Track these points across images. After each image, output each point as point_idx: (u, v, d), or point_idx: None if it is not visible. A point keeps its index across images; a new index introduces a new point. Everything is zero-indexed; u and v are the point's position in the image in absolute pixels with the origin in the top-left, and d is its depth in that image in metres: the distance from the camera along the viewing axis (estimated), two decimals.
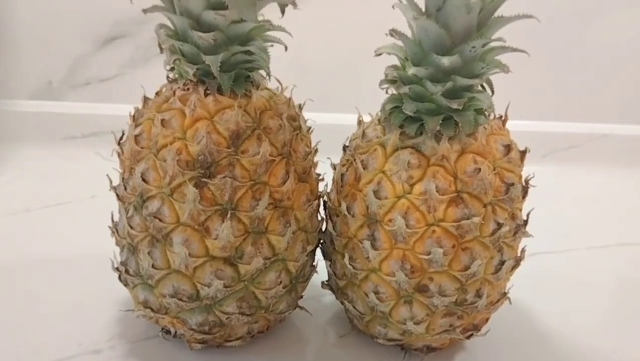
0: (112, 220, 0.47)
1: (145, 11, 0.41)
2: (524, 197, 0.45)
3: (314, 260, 0.50)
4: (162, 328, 0.47)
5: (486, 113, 0.44)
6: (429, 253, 0.41)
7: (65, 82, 0.93)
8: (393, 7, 0.41)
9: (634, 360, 0.51)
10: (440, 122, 0.42)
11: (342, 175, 0.47)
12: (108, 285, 0.51)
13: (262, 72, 0.46)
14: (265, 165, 0.42)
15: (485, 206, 0.42)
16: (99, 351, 0.48)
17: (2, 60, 0.91)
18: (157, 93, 0.46)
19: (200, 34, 0.40)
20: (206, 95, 0.42)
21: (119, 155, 0.45)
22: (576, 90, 0.95)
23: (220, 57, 0.41)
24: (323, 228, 0.50)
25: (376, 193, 0.43)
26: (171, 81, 0.46)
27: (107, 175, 0.47)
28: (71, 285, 0.56)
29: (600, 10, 0.90)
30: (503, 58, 0.41)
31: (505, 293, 0.47)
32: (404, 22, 0.41)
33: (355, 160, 0.45)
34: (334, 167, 0.49)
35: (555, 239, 0.69)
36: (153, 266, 0.43)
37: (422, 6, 0.40)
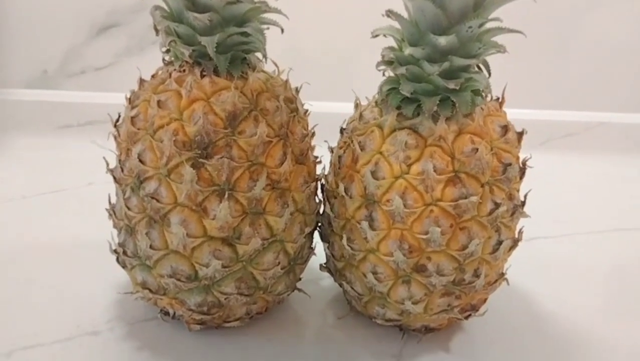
0: (110, 203, 0.47)
1: None
2: (521, 177, 0.45)
3: (312, 242, 0.50)
4: (161, 310, 0.48)
5: (483, 94, 0.44)
6: (426, 233, 0.42)
7: (61, 70, 0.93)
8: None
9: (630, 343, 0.51)
10: (438, 102, 0.42)
11: (339, 157, 0.47)
12: (106, 268, 0.51)
13: (259, 54, 0.46)
14: (262, 146, 0.42)
15: (482, 186, 0.42)
16: (97, 333, 0.48)
17: None
18: (153, 76, 0.46)
19: (196, 14, 0.40)
20: (202, 76, 0.42)
21: (115, 137, 0.45)
22: (573, 79, 0.96)
23: (216, 38, 0.41)
24: (321, 211, 0.50)
25: (374, 173, 0.43)
26: (167, 63, 0.46)
27: (104, 158, 0.47)
28: (69, 269, 0.56)
29: None
30: (502, 42, 0.41)
31: (503, 274, 0.48)
32: (400, 5, 0.41)
33: (352, 141, 0.45)
34: (331, 150, 0.49)
35: (553, 225, 0.69)
36: (151, 247, 0.43)
37: None
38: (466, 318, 0.48)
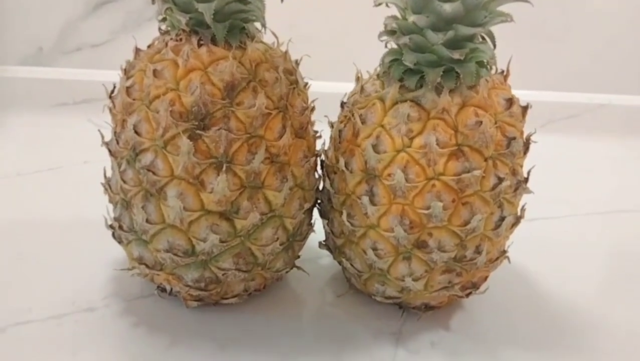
0: (105, 177, 0.46)
1: None
2: (525, 152, 0.44)
3: (311, 219, 0.49)
4: (158, 286, 0.47)
5: (488, 66, 0.43)
6: (428, 208, 0.41)
7: (56, 47, 0.91)
8: None
9: (630, 322, 0.51)
10: (441, 74, 0.41)
11: (339, 131, 0.46)
12: (102, 245, 0.50)
13: (258, 25, 0.44)
14: (261, 118, 0.41)
15: (486, 160, 0.41)
16: (93, 309, 0.48)
17: None
18: (149, 46, 0.45)
19: None
20: (199, 45, 0.41)
21: (110, 109, 0.44)
22: (575, 60, 0.95)
23: (213, 5, 0.39)
24: (320, 187, 0.49)
25: (375, 147, 0.42)
26: (163, 33, 0.44)
27: (99, 130, 0.45)
28: (65, 246, 0.56)
29: None
30: (502, 26, 0.40)
31: (504, 252, 0.47)
32: None
33: (353, 115, 0.44)
34: (331, 125, 0.48)
35: (554, 206, 0.69)
36: (147, 221, 0.42)
37: None
38: (467, 295, 0.47)
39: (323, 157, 0.49)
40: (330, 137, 0.48)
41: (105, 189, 0.46)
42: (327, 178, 0.47)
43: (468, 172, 0.40)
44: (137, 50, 0.44)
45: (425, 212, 0.41)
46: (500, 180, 0.42)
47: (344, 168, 0.44)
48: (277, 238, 0.45)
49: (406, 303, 0.48)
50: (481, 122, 0.40)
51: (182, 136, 0.39)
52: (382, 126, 0.42)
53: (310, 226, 0.50)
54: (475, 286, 0.47)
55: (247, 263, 0.44)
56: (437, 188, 0.41)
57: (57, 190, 0.67)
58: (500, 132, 0.42)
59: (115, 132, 0.43)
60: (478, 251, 0.43)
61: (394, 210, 0.42)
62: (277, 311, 0.49)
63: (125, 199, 0.43)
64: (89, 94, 0.88)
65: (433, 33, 0.39)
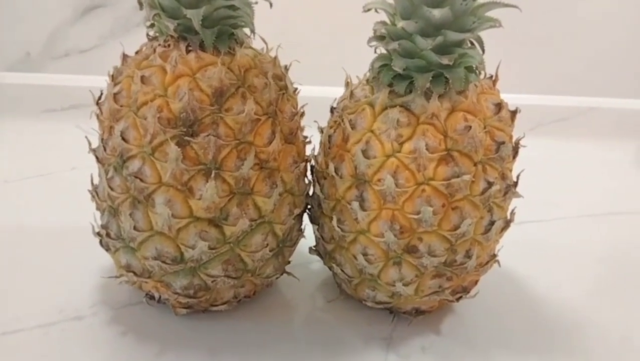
0: (92, 184, 0.46)
1: None
2: (514, 157, 0.44)
3: (301, 224, 0.49)
4: (146, 294, 0.46)
5: (477, 71, 0.43)
6: (418, 213, 0.41)
7: (44, 53, 0.91)
8: None
9: (620, 325, 0.51)
10: (430, 79, 0.41)
11: (329, 136, 0.46)
12: (90, 253, 0.50)
13: (247, 30, 0.44)
14: (250, 124, 0.41)
15: (475, 164, 0.41)
16: (81, 317, 0.47)
17: None
18: (137, 52, 0.44)
19: None
20: (188, 51, 0.41)
21: (97, 116, 0.44)
22: (564, 64, 0.95)
23: (202, 11, 0.39)
24: (310, 193, 0.49)
25: (365, 152, 0.42)
26: (151, 39, 0.44)
27: (86, 137, 0.45)
28: (52, 253, 0.55)
29: None
30: (492, 30, 0.40)
31: (494, 255, 0.47)
32: None
33: (343, 120, 0.44)
34: (321, 130, 0.48)
35: (544, 209, 0.69)
36: (135, 228, 0.41)
37: None
38: (457, 300, 0.47)
39: (313, 162, 0.48)
40: (320, 142, 0.48)
41: (93, 196, 0.45)
42: (317, 183, 0.47)
43: (457, 176, 0.40)
44: (125, 56, 0.44)
45: (415, 216, 0.41)
46: (490, 184, 0.42)
47: (333, 174, 0.44)
48: (267, 245, 0.44)
49: (397, 308, 0.48)
50: (470, 127, 0.40)
51: (170, 143, 0.39)
52: (372, 131, 0.42)
53: (301, 232, 0.49)
54: (465, 290, 0.47)
55: (236, 270, 0.44)
56: (427, 193, 0.41)
57: (45, 197, 0.66)
58: (489, 137, 0.42)
59: (102, 139, 0.43)
60: (468, 255, 0.43)
61: (384, 215, 0.42)
62: (267, 318, 0.49)
63: (112, 206, 0.43)
64: (77, 100, 0.87)
65: (422, 39, 0.39)
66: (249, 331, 0.47)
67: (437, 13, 0.37)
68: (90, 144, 0.45)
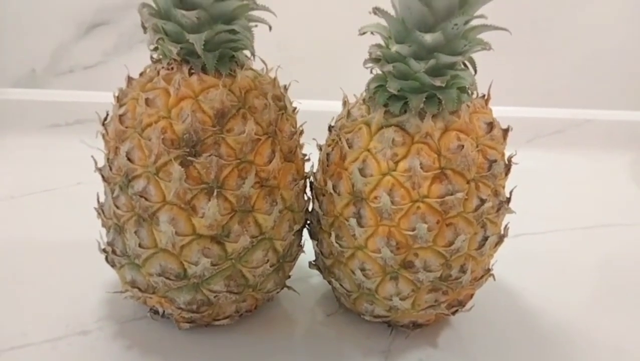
0: (98, 202, 0.47)
1: None
2: (506, 174, 0.46)
3: (301, 240, 0.50)
4: (150, 309, 0.48)
5: (469, 91, 0.44)
6: (414, 229, 0.42)
7: (49, 69, 0.92)
8: None
9: (615, 337, 0.52)
10: (424, 99, 0.42)
11: (327, 154, 0.47)
12: (95, 268, 0.51)
13: (247, 52, 0.46)
14: (250, 143, 0.42)
15: (468, 182, 0.42)
16: (86, 332, 0.48)
17: None
18: (141, 74, 0.46)
19: (184, 12, 0.40)
20: (190, 74, 0.42)
21: (103, 136, 0.45)
22: (560, 77, 0.97)
23: (204, 36, 0.41)
24: (309, 209, 0.50)
25: (361, 171, 0.43)
26: (155, 61, 0.46)
27: (92, 156, 0.46)
28: (58, 268, 0.56)
29: None
30: (488, 40, 0.42)
31: (489, 270, 0.48)
32: (387, 3, 0.42)
33: (340, 139, 0.45)
34: (319, 147, 0.50)
35: (539, 221, 0.70)
36: (140, 245, 0.43)
37: None
38: (453, 313, 0.48)
39: (312, 179, 0.50)
40: (319, 160, 0.49)
41: (99, 214, 0.47)
42: (316, 200, 0.48)
43: (451, 194, 0.42)
44: (130, 79, 0.45)
45: (411, 233, 0.42)
46: (483, 201, 0.43)
47: (332, 191, 0.45)
48: (268, 260, 0.46)
49: (395, 321, 0.49)
50: (463, 146, 0.42)
51: (174, 163, 0.40)
52: (368, 150, 0.43)
53: (300, 247, 0.51)
54: (461, 304, 0.48)
55: (238, 285, 0.45)
56: (422, 210, 0.42)
57: (51, 212, 0.68)
58: (481, 155, 0.43)
59: (108, 159, 0.44)
60: (463, 270, 0.45)
61: (380, 231, 0.43)
62: (268, 331, 0.50)
63: (118, 224, 0.44)
64: (82, 115, 0.89)
65: (415, 62, 0.41)
66: (250, 345, 0.48)
67: (429, 38, 0.39)
68: (96, 163, 0.46)
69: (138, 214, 0.42)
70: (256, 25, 0.45)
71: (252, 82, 0.44)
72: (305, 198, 0.50)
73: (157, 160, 0.41)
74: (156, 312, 0.47)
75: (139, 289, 0.45)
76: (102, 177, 0.45)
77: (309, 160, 0.50)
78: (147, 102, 0.42)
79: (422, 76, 0.41)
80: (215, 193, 0.41)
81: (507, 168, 0.46)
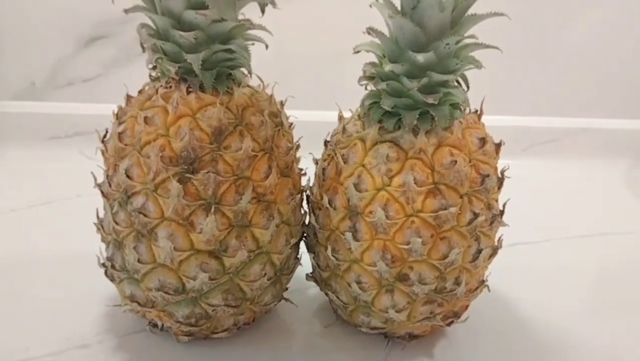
0: (98, 217, 0.48)
1: (126, 11, 0.42)
2: (499, 187, 0.47)
3: (297, 253, 0.51)
4: (149, 322, 0.48)
5: (461, 107, 0.45)
6: (408, 243, 0.43)
7: (49, 82, 0.93)
8: (370, 6, 0.42)
9: (612, 346, 0.52)
10: (417, 116, 0.43)
11: (323, 169, 0.48)
12: (94, 281, 0.52)
13: (244, 69, 0.47)
14: (247, 160, 0.43)
15: (461, 197, 0.43)
16: (87, 346, 0.49)
17: None
18: (140, 92, 0.47)
19: (182, 33, 0.41)
20: (188, 92, 0.43)
21: (102, 152, 0.46)
22: (555, 85, 0.97)
23: (201, 56, 0.42)
24: (306, 222, 0.51)
25: (357, 186, 0.44)
26: (153, 80, 0.46)
27: (92, 173, 0.47)
28: (58, 282, 0.57)
29: (577, 6, 0.92)
30: (483, 53, 0.43)
31: (483, 281, 0.49)
32: (381, 21, 0.43)
33: (336, 154, 0.46)
34: (315, 162, 0.51)
35: (535, 230, 0.71)
36: (139, 260, 0.43)
37: (398, 5, 0.41)
38: (448, 325, 0.49)
39: (308, 192, 0.51)
40: (315, 174, 0.50)
41: (98, 229, 0.47)
42: (312, 213, 0.49)
43: (445, 208, 0.42)
44: (129, 97, 0.46)
45: (406, 247, 0.43)
46: (476, 215, 0.44)
47: (327, 205, 0.46)
48: (265, 274, 0.46)
49: (391, 333, 0.49)
50: (456, 161, 0.43)
51: (172, 180, 0.41)
52: (363, 165, 0.44)
53: (297, 260, 0.51)
54: (456, 315, 0.49)
55: (236, 299, 0.46)
56: (416, 225, 0.43)
57: (50, 225, 0.68)
58: (474, 170, 0.44)
59: (107, 175, 0.45)
60: (457, 282, 0.45)
61: (376, 245, 0.44)
62: (266, 343, 0.51)
63: (117, 239, 0.45)
64: (81, 127, 0.90)
65: (408, 80, 0.41)
66: (249, 357, 0.49)
67: (421, 57, 0.40)
68: (95, 179, 0.47)
69: (137, 230, 0.43)
70: (253, 44, 0.46)
71: (249, 100, 0.45)
72: (302, 211, 0.50)
73: (156, 177, 0.42)
74: (155, 325, 0.48)
75: (138, 303, 0.46)
76: (102, 193, 0.46)
77: (305, 174, 0.51)
78: (146, 120, 0.43)
79: (415, 94, 0.42)
80: (212, 209, 0.42)
81: (500, 182, 0.46)
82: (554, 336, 0.53)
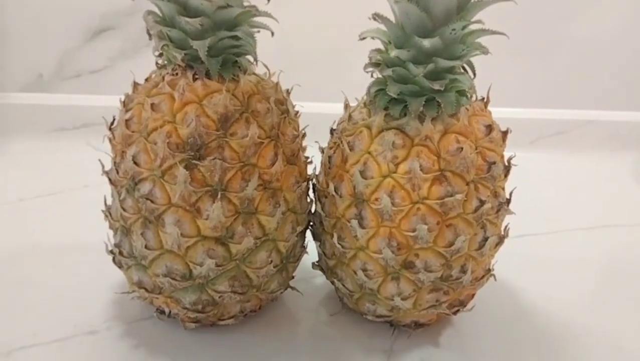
0: (105, 204, 0.48)
1: None
2: (506, 175, 0.46)
3: (304, 241, 0.51)
4: (157, 309, 0.49)
5: (468, 94, 0.45)
6: (414, 230, 0.43)
7: (56, 74, 0.94)
8: None
9: (616, 337, 0.52)
10: (423, 103, 0.43)
11: (329, 157, 0.48)
12: (102, 269, 0.52)
13: (250, 57, 0.47)
14: (253, 147, 0.43)
15: (467, 184, 0.43)
16: (95, 332, 0.49)
17: None
18: (146, 80, 0.47)
19: (188, 19, 0.41)
20: (194, 79, 0.43)
21: (110, 140, 0.46)
22: (562, 78, 0.97)
23: (207, 42, 0.42)
24: (312, 210, 0.51)
25: (362, 173, 0.44)
26: (160, 67, 0.47)
27: (100, 160, 0.48)
28: (66, 270, 0.57)
29: None
30: (492, 45, 0.42)
31: (489, 270, 0.49)
32: (387, 7, 0.43)
33: (342, 142, 0.46)
34: (322, 150, 0.51)
35: (542, 222, 0.71)
36: (146, 247, 0.44)
37: None
38: (454, 313, 0.49)
39: (314, 180, 0.51)
40: (321, 162, 0.50)
41: (106, 216, 0.48)
42: (318, 201, 0.49)
43: (451, 195, 0.42)
44: (135, 84, 0.46)
45: (412, 234, 0.43)
46: (482, 202, 0.44)
47: (333, 193, 0.46)
48: (271, 261, 0.46)
49: (396, 321, 0.49)
50: (462, 148, 0.43)
51: (179, 166, 0.41)
52: (369, 153, 0.44)
53: (304, 248, 0.51)
54: (462, 304, 0.49)
55: (242, 286, 0.46)
56: (422, 212, 0.43)
57: (58, 215, 0.69)
58: (480, 157, 0.44)
59: (115, 162, 0.46)
60: (463, 270, 0.45)
61: (381, 232, 0.44)
62: (272, 331, 0.51)
63: (125, 226, 0.45)
64: (88, 119, 0.90)
65: (414, 66, 0.41)
66: (255, 344, 0.49)
67: (427, 43, 0.40)
68: (103, 167, 0.47)
69: (144, 216, 0.43)
70: (259, 31, 0.46)
71: (255, 87, 0.45)
72: (308, 200, 0.51)
73: (163, 163, 0.42)
74: (162, 312, 0.48)
75: (146, 290, 0.46)
76: (109, 180, 0.46)
77: (311, 162, 0.51)
78: (153, 107, 0.43)
79: (421, 80, 0.42)
80: (219, 196, 0.42)
81: (507, 169, 0.46)
82: (559, 326, 0.53)
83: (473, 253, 0.45)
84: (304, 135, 0.50)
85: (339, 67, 0.88)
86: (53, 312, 0.51)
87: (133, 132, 0.43)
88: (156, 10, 0.44)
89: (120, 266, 0.48)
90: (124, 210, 0.44)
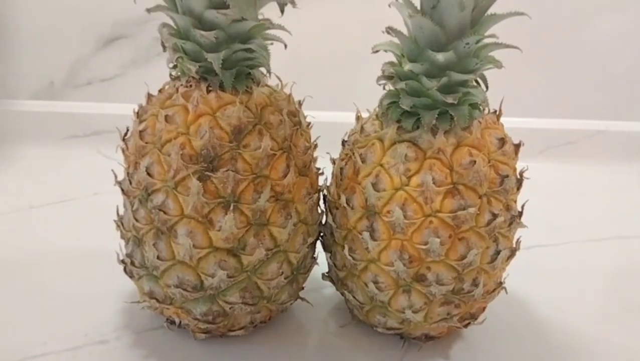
0: (117, 214, 0.48)
1: (148, 10, 0.42)
2: (518, 188, 0.46)
3: (314, 252, 0.51)
4: (167, 319, 0.49)
5: (481, 107, 0.45)
6: (426, 243, 0.43)
7: (67, 82, 0.94)
8: (389, 5, 0.42)
9: (628, 349, 0.52)
10: (436, 116, 0.43)
11: (341, 169, 0.48)
12: (113, 278, 0.52)
13: (263, 69, 0.47)
14: (266, 159, 0.43)
15: (480, 197, 0.43)
16: (105, 341, 0.49)
17: (4, 61, 0.93)
18: (160, 91, 0.47)
19: (202, 32, 0.41)
20: (208, 91, 0.44)
21: (123, 150, 0.47)
22: (573, 88, 0.97)
23: (222, 55, 0.42)
24: (323, 221, 0.51)
25: (374, 185, 0.44)
26: (174, 78, 0.47)
27: (112, 170, 0.48)
28: (77, 278, 0.58)
29: (596, 8, 0.92)
30: (501, 55, 0.42)
31: (501, 283, 0.49)
32: (400, 20, 0.43)
33: (354, 154, 0.46)
34: (333, 161, 0.51)
35: (552, 233, 0.70)
36: (158, 257, 0.44)
37: (418, 4, 0.41)
38: (465, 326, 0.49)
39: (325, 192, 0.51)
40: (332, 174, 0.50)
41: (118, 226, 0.48)
42: (329, 213, 0.49)
43: (463, 209, 0.42)
44: (149, 96, 0.46)
45: (424, 247, 0.43)
46: (495, 216, 0.44)
47: (345, 205, 0.46)
48: (282, 273, 0.46)
49: (407, 333, 0.49)
50: (475, 162, 0.43)
51: (192, 177, 0.42)
52: (382, 165, 0.44)
53: (314, 259, 0.51)
54: (473, 317, 0.49)
55: (253, 297, 0.46)
56: (434, 225, 0.43)
57: (69, 223, 0.69)
58: (493, 170, 0.44)
59: (128, 173, 0.46)
60: (475, 283, 0.45)
61: (393, 245, 0.44)
62: (282, 342, 0.51)
63: (137, 236, 0.45)
64: (99, 126, 0.91)
65: (428, 79, 0.41)
66: (264, 355, 0.49)
67: (441, 57, 0.40)
68: (116, 177, 0.48)
69: (157, 227, 0.44)
70: (272, 43, 0.46)
71: (267, 99, 0.45)
72: (319, 211, 0.51)
73: (176, 175, 0.42)
74: (173, 322, 0.48)
75: (157, 300, 0.46)
76: (122, 190, 0.47)
77: (322, 173, 0.51)
78: (167, 118, 0.43)
79: (435, 93, 0.42)
80: (231, 207, 0.42)
81: (519, 183, 0.46)
82: (571, 339, 0.53)
83: (485, 267, 0.45)
84: (315, 147, 0.50)
85: (350, 77, 0.88)
86: (63, 321, 0.52)
87: (147, 143, 0.44)
88: (171, 22, 0.44)
89: (131, 276, 0.48)
90: (137, 220, 0.45)
